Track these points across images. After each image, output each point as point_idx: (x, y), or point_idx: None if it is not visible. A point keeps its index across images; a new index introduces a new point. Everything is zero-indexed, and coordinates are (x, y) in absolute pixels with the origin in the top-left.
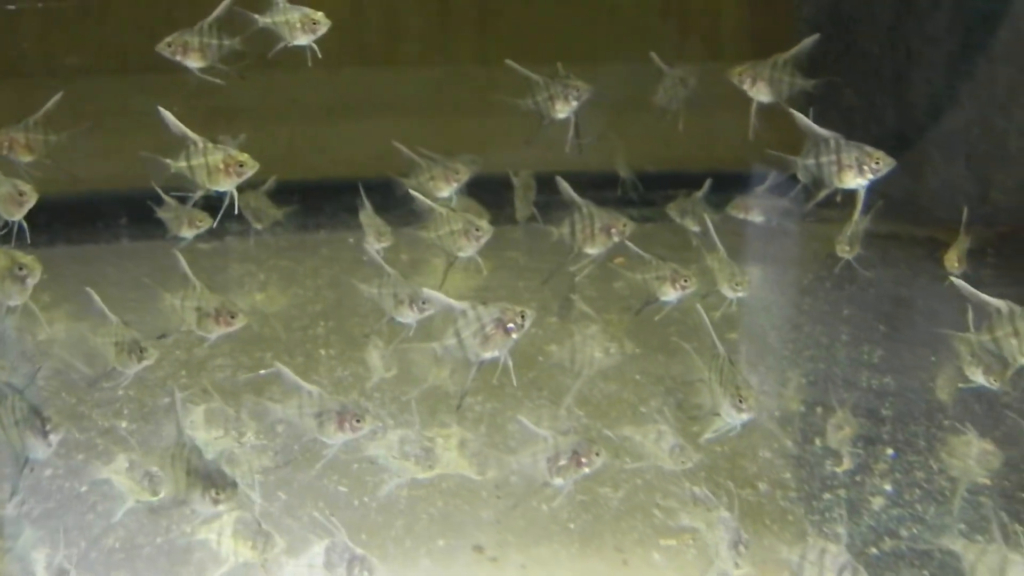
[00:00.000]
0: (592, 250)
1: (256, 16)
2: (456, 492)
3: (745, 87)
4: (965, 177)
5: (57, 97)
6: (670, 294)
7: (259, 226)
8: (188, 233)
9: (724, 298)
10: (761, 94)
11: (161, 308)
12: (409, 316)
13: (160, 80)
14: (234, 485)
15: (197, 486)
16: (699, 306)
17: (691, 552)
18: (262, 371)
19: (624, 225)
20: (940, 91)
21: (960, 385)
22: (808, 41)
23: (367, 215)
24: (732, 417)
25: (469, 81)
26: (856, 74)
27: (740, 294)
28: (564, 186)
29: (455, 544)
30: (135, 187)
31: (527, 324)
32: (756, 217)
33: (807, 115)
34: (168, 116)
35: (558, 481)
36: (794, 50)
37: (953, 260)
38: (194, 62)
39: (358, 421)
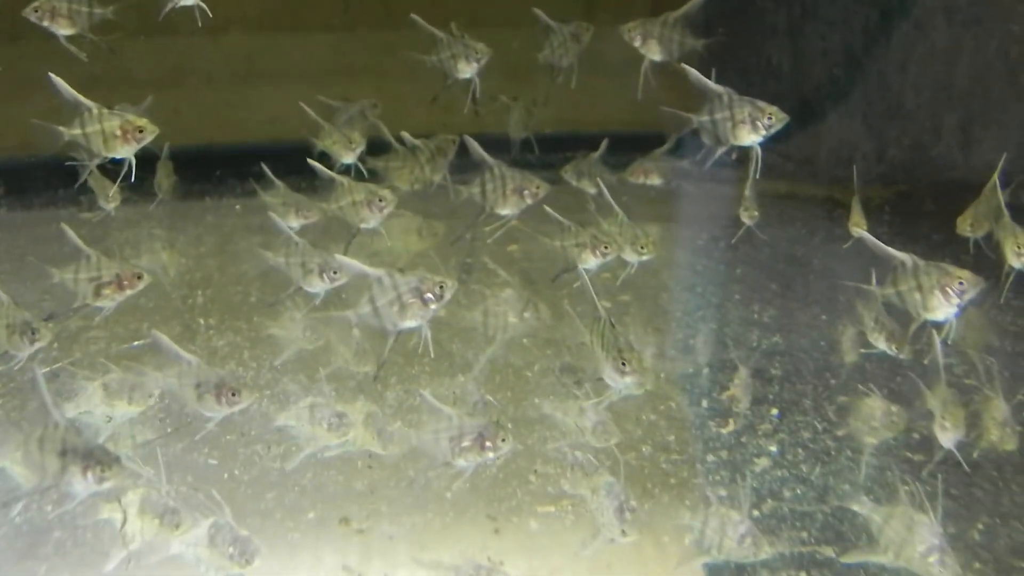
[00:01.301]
0: (504, 211)
1: None
2: (330, 463)
3: (636, 44)
4: (862, 135)
5: None
6: (590, 261)
7: (162, 195)
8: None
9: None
10: (652, 52)
11: (51, 286)
12: (319, 285)
13: (43, 47)
14: (118, 460)
15: (76, 466)
16: (581, 268)
17: (569, 519)
18: (136, 343)
19: (537, 187)
20: (836, 47)
21: (862, 351)
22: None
23: (280, 192)
24: (615, 381)
25: (370, 45)
26: (752, 30)
27: (645, 257)
28: (474, 145)
29: (325, 516)
30: (13, 156)
31: (447, 295)
32: (655, 181)
33: (710, 76)
34: (60, 82)
35: (460, 462)
36: (684, 8)
37: (857, 222)
38: (62, 29)
39: (234, 395)
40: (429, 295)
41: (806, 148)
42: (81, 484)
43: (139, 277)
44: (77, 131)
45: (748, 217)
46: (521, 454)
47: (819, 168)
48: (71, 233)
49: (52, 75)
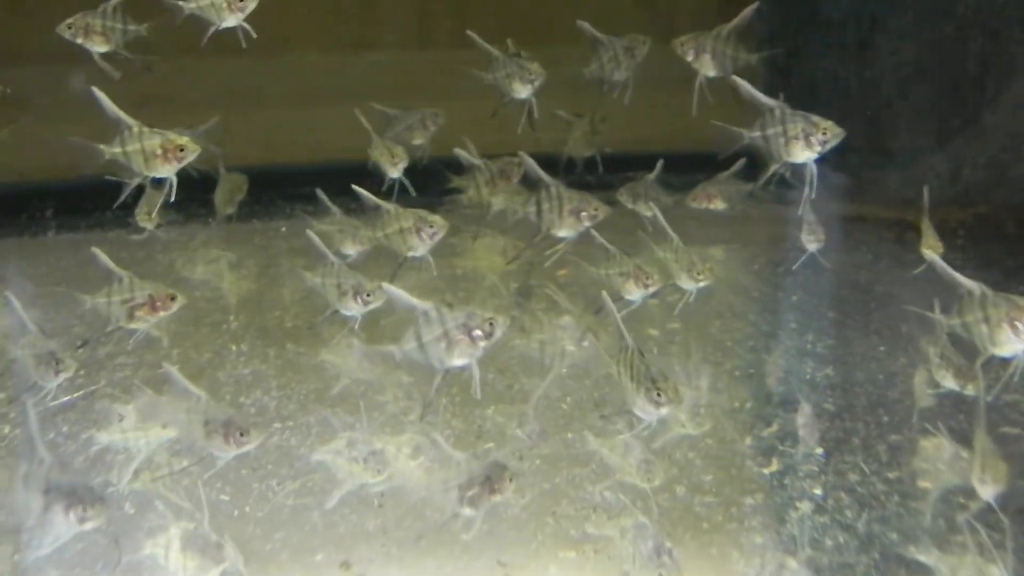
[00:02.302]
0: (560, 233)
1: (181, 3)
2: (343, 500)
3: (689, 59)
4: (935, 154)
5: None
6: (633, 292)
7: (230, 212)
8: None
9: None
10: (705, 67)
11: (86, 311)
12: (353, 308)
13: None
14: (102, 500)
15: (59, 504)
16: (604, 293)
17: (590, 565)
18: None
19: (596, 209)
20: (907, 61)
21: (929, 391)
22: (748, 11)
23: (336, 219)
24: (648, 413)
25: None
26: (818, 44)
27: (702, 284)
28: (531, 163)
29: (332, 559)
30: (63, 177)
31: (497, 333)
32: (718, 206)
33: (778, 97)
34: (103, 99)
35: (468, 512)
36: (736, 20)
37: (931, 244)
38: (97, 46)
39: (242, 435)
40: (478, 332)
41: (875, 168)
42: (63, 523)
43: (172, 298)
44: (117, 149)
45: (813, 241)
46: (546, 493)
47: (888, 189)
48: (103, 256)
49: (95, 89)
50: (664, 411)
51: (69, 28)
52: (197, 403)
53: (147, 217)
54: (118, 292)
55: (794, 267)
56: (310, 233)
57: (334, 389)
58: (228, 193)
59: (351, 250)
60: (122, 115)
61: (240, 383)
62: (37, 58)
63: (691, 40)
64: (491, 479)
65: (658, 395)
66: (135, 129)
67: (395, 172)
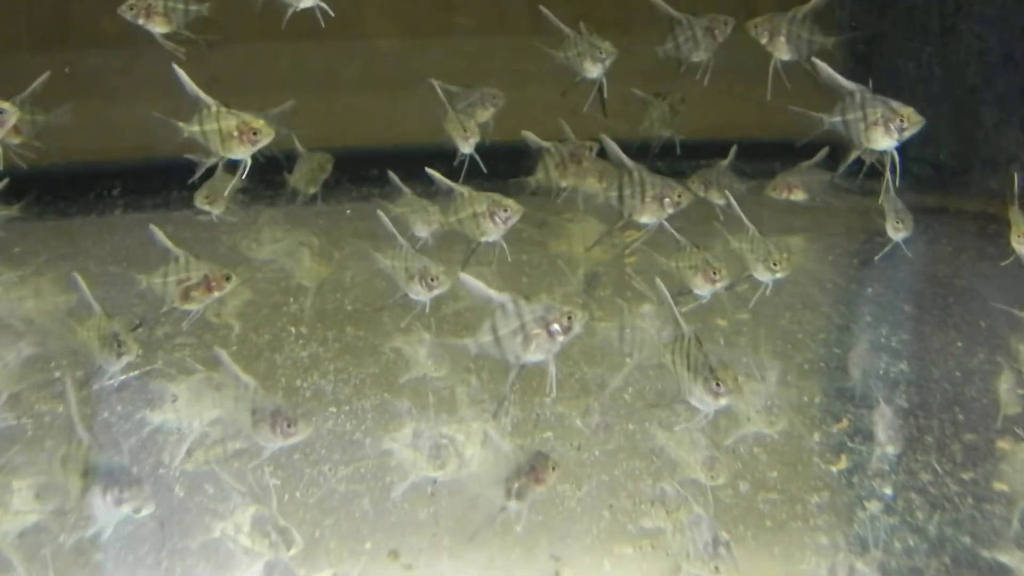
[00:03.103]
0: (643, 219)
1: None
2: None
3: (763, 42)
4: (1021, 143)
5: None
6: (701, 287)
7: (312, 190)
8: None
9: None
10: (780, 50)
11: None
12: (420, 292)
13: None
14: (139, 482)
15: (97, 486)
16: (658, 280)
17: (647, 562)
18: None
19: (679, 195)
20: (993, 48)
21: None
22: None
23: (408, 200)
24: (706, 404)
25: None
26: (901, 30)
27: (779, 275)
28: (612, 147)
29: (381, 548)
30: (130, 158)
31: (576, 328)
32: (799, 196)
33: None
34: (183, 76)
35: (513, 505)
36: (812, 2)
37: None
38: (158, 27)
39: (289, 425)
40: (556, 327)
41: (958, 157)
42: (101, 506)
43: (227, 278)
44: (195, 128)
45: (901, 230)
46: (604, 486)
47: (972, 179)
48: (160, 235)
49: (176, 67)
50: (723, 401)
51: (131, 9)
52: (245, 391)
53: (206, 201)
54: (174, 272)
55: (877, 257)
56: (380, 214)
57: (401, 378)
58: (312, 173)
59: (423, 232)
60: (201, 94)
61: (298, 366)
62: (105, 39)
63: (766, 22)
64: (535, 469)
65: (717, 385)
66: (213, 109)
67: (467, 147)
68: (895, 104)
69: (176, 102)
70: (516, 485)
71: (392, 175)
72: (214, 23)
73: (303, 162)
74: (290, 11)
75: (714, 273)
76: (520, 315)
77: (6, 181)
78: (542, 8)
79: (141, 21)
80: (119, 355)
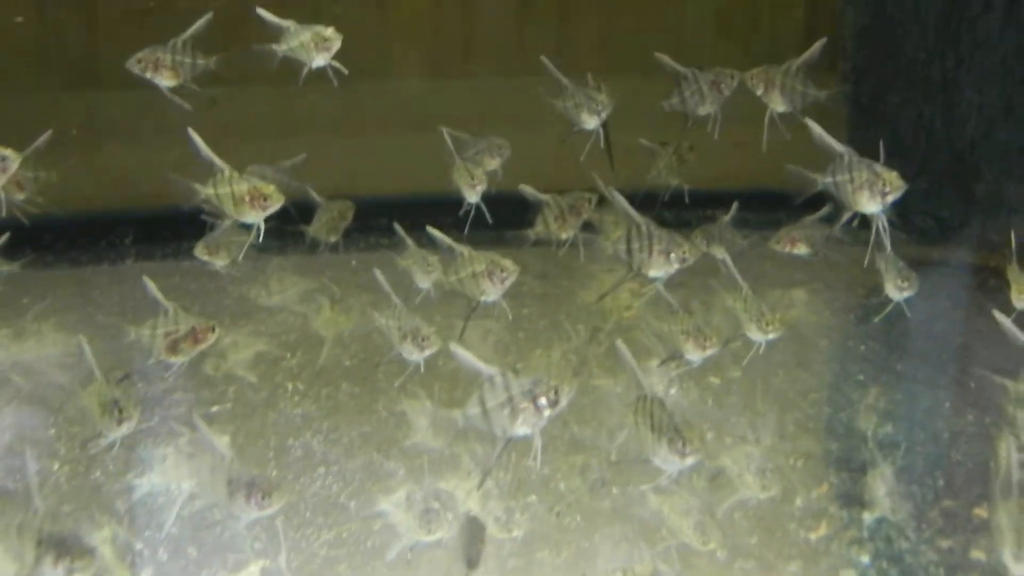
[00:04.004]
0: (650, 273)
1: (275, 46)
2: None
3: (758, 93)
4: (1022, 198)
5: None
6: (692, 352)
7: (334, 238)
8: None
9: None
10: (774, 102)
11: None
12: (412, 352)
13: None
14: (92, 553)
15: (50, 555)
16: (619, 342)
17: None
18: (215, 408)
19: (686, 251)
20: (993, 102)
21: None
22: (817, 46)
23: (411, 253)
24: (671, 464)
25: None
26: (903, 83)
27: (771, 337)
28: (619, 199)
29: None
30: (143, 206)
31: (563, 403)
32: (801, 251)
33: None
34: (196, 139)
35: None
36: (805, 55)
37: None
38: (165, 80)
39: (264, 498)
40: (543, 401)
41: (958, 210)
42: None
43: (212, 329)
44: (210, 191)
45: (907, 289)
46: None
47: (972, 233)
48: (151, 286)
49: (190, 131)
50: (689, 461)
51: (139, 63)
52: (222, 461)
53: (206, 252)
54: (162, 324)
55: (877, 319)
56: (377, 272)
57: (402, 442)
58: (332, 221)
59: (424, 283)
60: (215, 159)
61: (290, 424)
62: (117, 85)
63: (761, 74)
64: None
65: (683, 445)
66: (227, 173)
67: (473, 196)
68: (879, 168)
69: (186, 149)
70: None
71: (397, 226)
72: (220, 77)
73: (322, 211)
74: (305, 69)
75: (704, 340)
76: (508, 388)
77: (7, 236)
78: (543, 58)
79: (149, 75)
80: (119, 421)
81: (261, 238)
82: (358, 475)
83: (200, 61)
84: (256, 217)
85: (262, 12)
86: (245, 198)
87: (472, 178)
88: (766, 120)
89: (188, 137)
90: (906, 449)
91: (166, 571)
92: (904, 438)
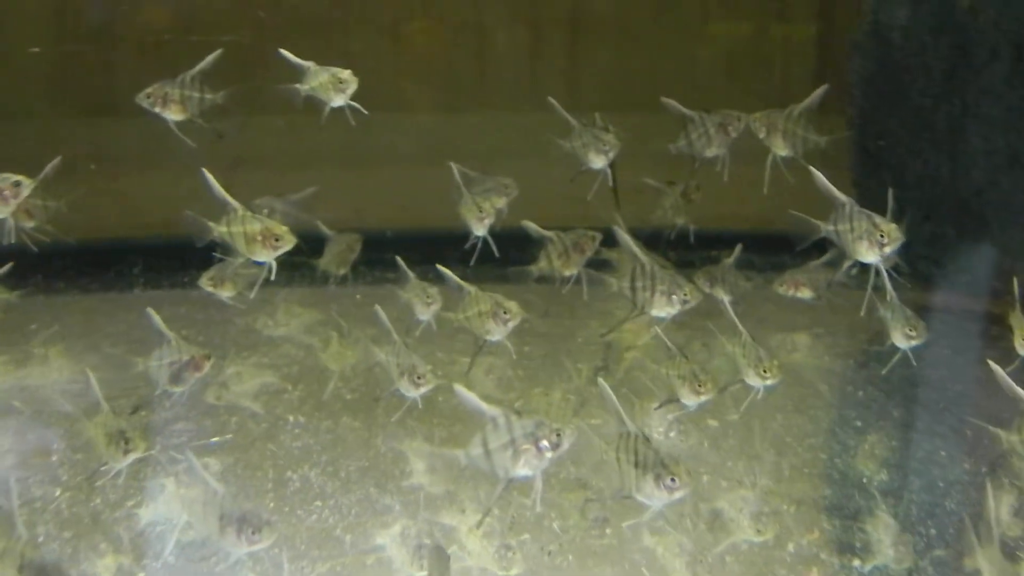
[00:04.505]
0: (653, 312)
1: (298, 86)
2: None
3: (760, 136)
4: None
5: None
6: (687, 397)
7: (343, 271)
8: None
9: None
10: (776, 146)
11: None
12: (409, 389)
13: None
14: None
15: None
16: (601, 380)
17: None
18: (214, 439)
19: (687, 294)
20: (999, 149)
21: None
22: (818, 92)
23: (412, 286)
24: (655, 499)
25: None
26: (909, 127)
27: (769, 383)
28: (625, 239)
29: None
30: (154, 234)
31: (564, 445)
32: (805, 294)
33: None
34: (209, 179)
35: None
36: (806, 101)
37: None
38: (174, 115)
39: (255, 533)
40: (544, 443)
41: (962, 257)
42: None
43: (207, 358)
44: (224, 229)
45: (914, 338)
46: None
47: (977, 280)
48: (156, 317)
49: (204, 171)
50: (677, 496)
51: (148, 98)
52: (214, 496)
53: (210, 283)
54: (167, 355)
55: (884, 371)
56: (378, 309)
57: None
58: (341, 254)
59: (424, 315)
60: (229, 199)
61: (289, 456)
62: (129, 114)
63: (764, 118)
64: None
65: (672, 480)
66: (239, 212)
67: (481, 230)
68: (878, 219)
69: (197, 179)
70: None
71: (399, 260)
72: (228, 112)
73: (332, 244)
74: (327, 109)
75: (700, 385)
76: (510, 430)
77: (9, 265)
78: (550, 99)
79: (158, 109)
80: (126, 452)
81: (273, 276)
82: (354, 509)
83: (208, 96)
84: (268, 256)
85: (284, 53)
86: (257, 237)
87: (480, 211)
88: (768, 164)
89: (201, 176)
90: (900, 497)
91: None
92: (899, 486)
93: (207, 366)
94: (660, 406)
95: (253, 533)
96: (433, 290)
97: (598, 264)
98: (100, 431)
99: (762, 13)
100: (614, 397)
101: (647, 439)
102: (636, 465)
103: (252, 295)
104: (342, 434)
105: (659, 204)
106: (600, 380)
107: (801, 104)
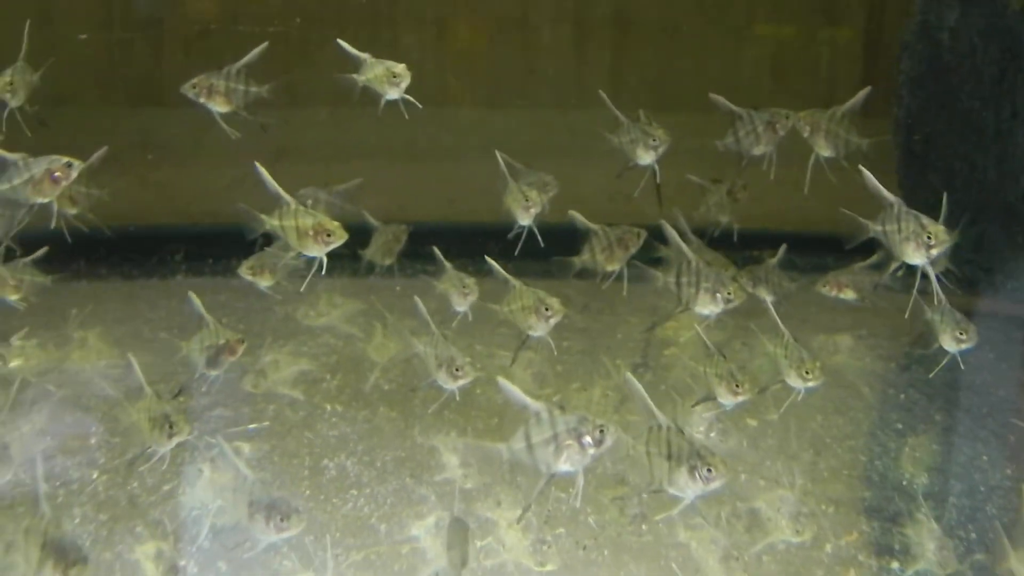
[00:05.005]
0: (697, 309)
1: (356, 76)
2: None
3: (805, 135)
4: None
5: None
6: (724, 397)
7: (388, 262)
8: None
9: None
10: (819, 146)
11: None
12: (447, 381)
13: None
14: (86, 560)
15: (49, 560)
16: (628, 374)
17: None
18: (252, 426)
19: (731, 293)
20: None
21: None
22: (861, 95)
23: (449, 277)
24: (689, 490)
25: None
26: (957, 130)
27: (811, 384)
28: (672, 234)
29: None
30: (197, 223)
31: (607, 442)
32: (848, 296)
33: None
34: (263, 173)
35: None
36: (849, 103)
37: None
38: (218, 106)
39: (283, 520)
40: (588, 439)
41: (1010, 262)
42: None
43: (241, 341)
44: (276, 223)
45: (965, 342)
46: None
47: (1021, 285)
48: (196, 301)
49: (257, 164)
50: (713, 487)
51: (193, 88)
52: (244, 482)
53: (250, 272)
54: (207, 339)
55: (932, 374)
56: (417, 300)
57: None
58: (387, 244)
59: (461, 306)
60: (282, 192)
61: (326, 444)
62: (175, 104)
63: (807, 117)
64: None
65: (709, 471)
66: (292, 207)
67: (526, 219)
68: (926, 220)
69: (241, 169)
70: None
71: (436, 251)
72: (273, 104)
73: (378, 235)
74: (383, 100)
75: (737, 386)
76: (554, 425)
77: (45, 249)
78: (600, 93)
79: (203, 100)
80: (170, 436)
81: (324, 271)
82: (390, 499)
83: (253, 89)
84: (319, 251)
85: (341, 43)
86: (309, 232)
87: (526, 200)
88: (810, 164)
89: (255, 170)
90: (940, 500)
91: None
92: (939, 489)
93: (241, 350)
94: (697, 404)
95: (281, 520)
96: (470, 281)
97: (653, 262)
98: (143, 415)
99: (809, 13)
100: (643, 390)
101: (680, 431)
102: (669, 457)
103: (303, 289)
104: (379, 424)
105: (703, 202)
106: (627, 375)
107: (844, 105)
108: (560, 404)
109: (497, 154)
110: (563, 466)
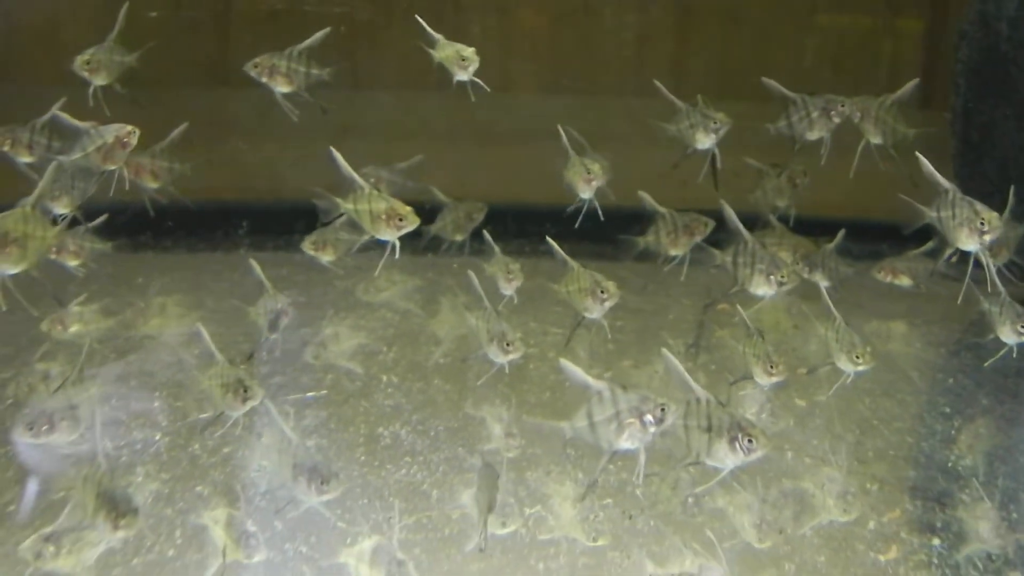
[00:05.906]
0: (752, 290)
1: (432, 52)
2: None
3: (855, 121)
4: None
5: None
6: (761, 377)
7: (460, 237)
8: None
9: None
10: (868, 132)
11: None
12: (497, 355)
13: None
14: (136, 512)
15: (102, 509)
16: (664, 350)
17: None
18: (310, 394)
19: (784, 275)
20: None
21: None
22: (910, 85)
23: (498, 260)
24: (729, 461)
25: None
26: (1013, 121)
27: (861, 368)
28: (731, 215)
29: None
30: (261, 199)
31: (668, 419)
32: (903, 282)
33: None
34: (339, 158)
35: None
36: (899, 92)
37: None
38: (280, 87)
39: (323, 483)
40: (649, 417)
41: None
42: (101, 527)
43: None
44: (351, 206)
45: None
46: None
47: None
48: (257, 268)
49: (332, 149)
50: (756, 456)
51: (255, 67)
52: (289, 445)
53: (313, 247)
54: (271, 303)
55: (988, 364)
56: (471, 274)
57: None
58: (457, 220)
59: (507, 289)
60: (356, 177)
61: (381, 414)
62: (243, 82)
63: (858, 104)
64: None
65: (750, 442)
66: (367, 191)
67: (587, 192)
68: (980, 207)
69: (305, 148)
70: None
71: (487, 234)
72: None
73: (448, 211)
74: (454, 81)
75: (772, 367)
76: (616, 403)
77: (104, 216)
78: (655, 82)
79: (264, 79)
80: (244, 400)
81: (397, 255)
82: (442, 467)
83: (314, 71)
84: (391, 235)
85: (419, 19)
86: (382, 216)
87: (588, 172)
88: (858, 150)
89: (331, 156)
90: (984, 481)
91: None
92: (983, 471)
93: (291, 312)
94: (735, 382)
95: (322, 483)
96: (515, 266)
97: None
98: (215, 381)
99: (871, 3)
100: (679, 365)
101: (720, 403)
102: (709, 430)
103: (376, 273)
104: (433, 395)
105: (760, 186)
106: (664, 351)
107: (894, 94)
108: (621, 384)
109: (560, 128)
110: (625, 444)
